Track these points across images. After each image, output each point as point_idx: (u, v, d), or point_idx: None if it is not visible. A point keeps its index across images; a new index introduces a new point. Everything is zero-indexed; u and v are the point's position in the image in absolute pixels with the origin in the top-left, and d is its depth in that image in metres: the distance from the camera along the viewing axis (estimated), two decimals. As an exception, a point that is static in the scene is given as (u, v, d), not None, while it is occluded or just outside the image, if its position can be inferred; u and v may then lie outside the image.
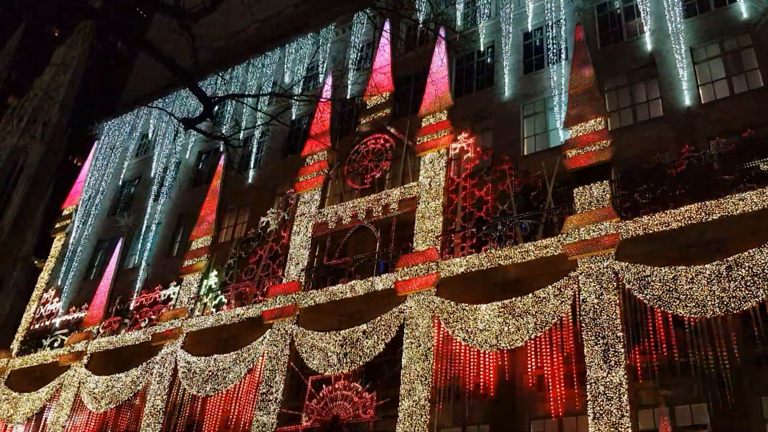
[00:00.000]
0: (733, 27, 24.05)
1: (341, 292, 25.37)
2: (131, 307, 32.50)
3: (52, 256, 40.26)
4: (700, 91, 23.60)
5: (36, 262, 68.98)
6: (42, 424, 31.92)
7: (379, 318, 23.59)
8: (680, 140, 22.07)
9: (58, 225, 41.69)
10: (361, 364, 23.20)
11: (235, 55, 40.41)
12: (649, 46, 25.42)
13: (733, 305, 17.68)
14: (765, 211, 18.58)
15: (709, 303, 17.94)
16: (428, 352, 22.05)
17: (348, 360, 23.39)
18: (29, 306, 38.28)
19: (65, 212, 41.90)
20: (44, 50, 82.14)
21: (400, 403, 21.71)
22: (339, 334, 24.09)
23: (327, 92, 32.81)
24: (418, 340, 22.42)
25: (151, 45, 12.84)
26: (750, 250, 18.00)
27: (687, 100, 23.29)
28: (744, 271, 17.85)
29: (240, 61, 39.80)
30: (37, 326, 36.32)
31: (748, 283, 17.68)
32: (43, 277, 39.51)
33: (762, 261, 17.77)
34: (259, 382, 25.35)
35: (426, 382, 21.54)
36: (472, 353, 21.51)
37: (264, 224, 30.14)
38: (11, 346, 36.18)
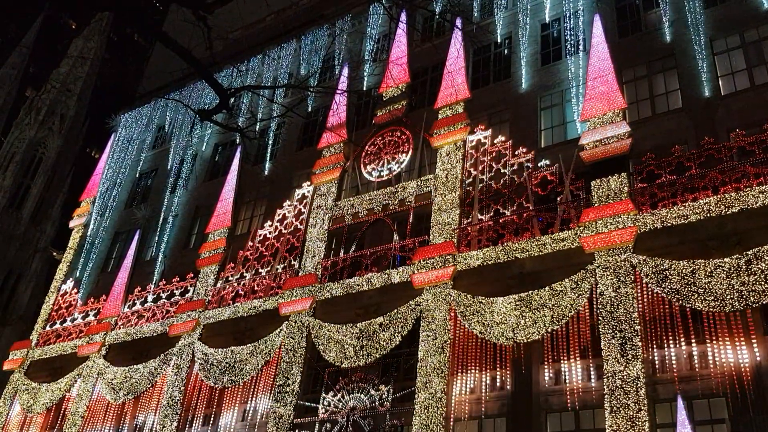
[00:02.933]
0: (754, 17, 23.69)
1: (358, 285, 25.43)
2: (149, 299, 32.71)
3: (71, 248, 40.54)
4: (720, 83, 23.31)
5: (55, 253, 69.69)
6: (61, 414, 32.26)
7: (395, 311, 23.62)
8: (700, 132, 21.86)
9: (76, 217, 41.97)
10: (377, 356, 23.26)
11: (251, 47, 40.36)
12: (668, 37, 25.12)
13: (752, 299, 17.53)
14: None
15: (728, 297, 17.82)
16: (444, 345, 22.05)
17: (365, 352, 23.43)
18: (48, 297, 38.63)
19: (83, 204, 42.17)
20: (62, 43, 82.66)
21: (416, 396, 21.75)
22: (356, 326, 24.15)
23: (343, 84, 32.77)
24: (435, 333, 22.42)
25: (168, 36, 12.78)
26: (770, 244, 17.82)
27: (706, 92, 23.01)
28: (764, 265, 17.66)
29: (256, 53, 39.76)
30: (56, 317, 36.65)
31: (768, 277, 17.51)
32: (62, 268, 39.81)
33: (782, 254, 17.58)
34: (276, 374, 25.48)
35: (442, 375, 21.56)
36: (488, 346, 21.50)
37: (280, 216, 30.24)
38: (31, 337, 36.60)
